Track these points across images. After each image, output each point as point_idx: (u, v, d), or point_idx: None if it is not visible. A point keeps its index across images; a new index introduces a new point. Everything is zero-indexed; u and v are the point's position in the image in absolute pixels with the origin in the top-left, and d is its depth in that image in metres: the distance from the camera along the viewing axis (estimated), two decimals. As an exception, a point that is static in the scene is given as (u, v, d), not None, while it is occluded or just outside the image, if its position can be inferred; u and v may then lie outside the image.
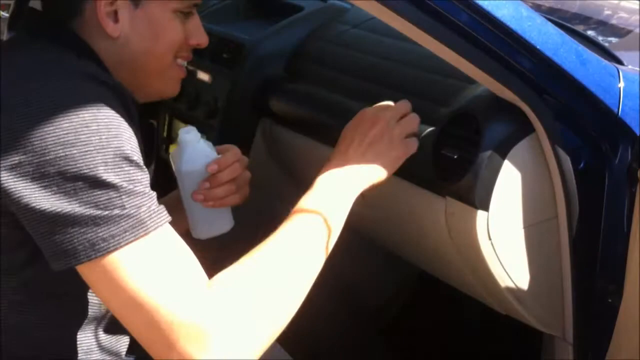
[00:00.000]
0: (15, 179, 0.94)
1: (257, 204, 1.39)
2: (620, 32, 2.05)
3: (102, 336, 1.16)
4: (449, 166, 1.28)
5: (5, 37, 2.03)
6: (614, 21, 2.18)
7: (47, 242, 0.95)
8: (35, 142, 0.93)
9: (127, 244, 0.94)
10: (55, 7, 1.13)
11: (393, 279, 2.27)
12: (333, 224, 1.11)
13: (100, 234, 0.93)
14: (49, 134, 0.93)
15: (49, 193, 0.93)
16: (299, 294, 1.04)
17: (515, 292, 1.31)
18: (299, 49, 1.85)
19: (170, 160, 1.27)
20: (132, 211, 0.94)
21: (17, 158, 0.94)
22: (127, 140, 0.97)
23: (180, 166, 1.23)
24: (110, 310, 0.99)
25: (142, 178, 0.97)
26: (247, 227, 1.30)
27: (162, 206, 0.98)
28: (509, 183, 1.24)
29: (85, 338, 1.13)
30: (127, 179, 0.95)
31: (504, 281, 1.30)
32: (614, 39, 1.95)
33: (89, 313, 1.13)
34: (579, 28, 1.80)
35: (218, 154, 1.26)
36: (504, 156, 1.23)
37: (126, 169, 0.95)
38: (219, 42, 1.96)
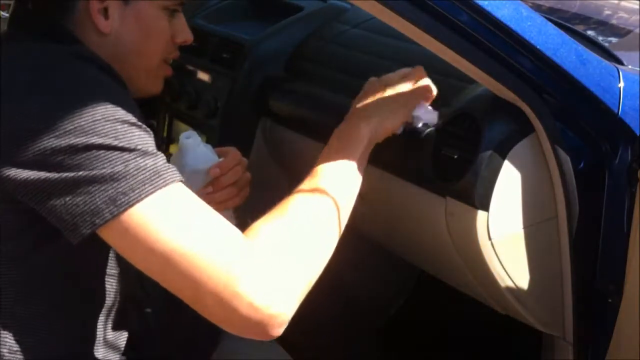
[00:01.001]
0: (24, 163, 0.96)
1: (257, 203, 1.39)
2: (620, 32, 2.05)
3: (104, 329, 1.16)
4: (449, 166, 1.28)
5: (5, 37, 2.04)
6: (614, 21, 2.18)
7: (67, 209, 0.96)
8: (42, 122, 0.96)
9: (147, 195, 0.95)
10: (46, 5, 1.14)
11: (393, 279, 2.27)
12: (353, 177, 1.16)
13: (120, 189, 0.94)
14: (56, 112, 0.96)
15: (64, 166, 0.95)
16: (330, 245, 1.07)
17: (515, 292, 1.31)
18: (299, 49, 1.85)
19: (172, 164, 1.27)
20: (148, 165, 0.96)
21: (25, 140, 0.96)
22: (132, 109, 1.01)
23: (182, 169, 1.23)
24: (142, 269, 0.99)
25: (152, 141, 1.00)
26: (247, 226, 1.30)
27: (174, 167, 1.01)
28: (509, 183, 1.24)
29: (87, 331, 1.13)
30: (140, 142, 0.98)
31: (504, 281, 1.30)
32: (614, 39, 1.95)
33: (91, 304, 1.13)
34: (579, 28, 1.80)
35: (219, 156, 1.26)
36: (504, 156, 1.22)
37: (137, 133, 0.98)
38: (219, 42, 1.96)
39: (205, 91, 1.92)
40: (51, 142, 0.95)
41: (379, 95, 1.25)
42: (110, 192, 0.94)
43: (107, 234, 0.97)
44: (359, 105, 1.25)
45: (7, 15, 2.08)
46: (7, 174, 0.97)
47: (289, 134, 1.75)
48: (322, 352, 2.00)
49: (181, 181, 1.00)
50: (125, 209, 0.94)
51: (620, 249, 1.24)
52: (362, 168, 1.17)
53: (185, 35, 1.24)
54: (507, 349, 1.96)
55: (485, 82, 1.23)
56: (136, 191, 0.95)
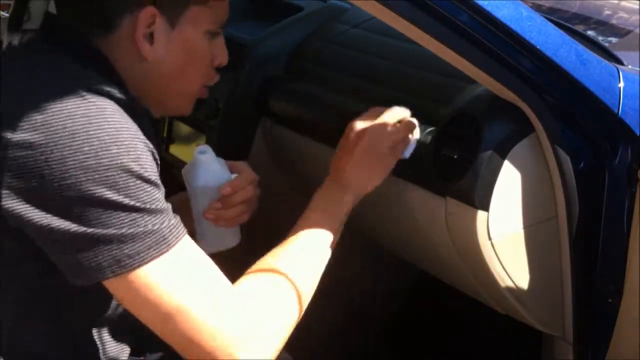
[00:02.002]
0: (31, 204, 0.94)
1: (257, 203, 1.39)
2: (620, 32, 2.05)
3: (107, 343, 1.16)
4: (449, 166, 1.28)
5: (5, 37, 2.03)
6: (614, 21, 2.18)
7: (69, 259, 0.96)
8: (55, 166, 0.93)
9: (151, 259, 0.96)
10: (85, 19, 1.07)
11: (393, 279, 2.27)
12: (331, 237, 1.18)
13: (125, 251, 0.95)
14: (68, 157, 0.93)
15: (72, 216, 0.94)
16: (307, 299, 1.11)
17: (515, 292, 1.31)
18: (299, 49, 1.85)
19: (183, 177, 1.27)
20: (155, 228, 0.96)
21: (34, 181, 0.93)
22: (145, 160, 0.97)
23: (194, 184, 1.24)
24: (142, 320, 1.01)
25: (161, 196, 0.99)
26: (247, 226, 1.30)
27: (178, 218, 1.01)
28: (509, 183, 1.24)
29: (91, 344, 1.13)
30: (149, 199, 0.96)
31: (504, 281, 1.30)
32: (614, 39, 1.95)
33: (96, 318, 1.13)
34: (579, 28, 1.80)
35: (231, 172, 1.26)
36: (504, 156, 1.23)
37: (148, 189, 0.97)
38: (219, 42, 1.95)
39: (206, 91, 1.92)
40: (63, 189, 0.93)
41: (360, 156, 1.22)
42: (115, 252, 0.95)
43: (108, 286, 0.98)
44: (341, 168, 1.22)
45: (7, 15, 2.08)
46: (15, 208, 0.95)
47: (289, 134, 1.75)
48: (322, 352, 2.00)
49: (184, 235, 1.00)
50: (129, 271, 0.96)
51: (620, 249, 1.24)
52: (341, 227, 1.21)
53: (223, 58, 1.19)
54: (507, 349, 1.96)
55: (485, 82, 1.23)
56: (141, 254, 0.95)
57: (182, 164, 1.34)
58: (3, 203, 0.95)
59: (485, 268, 1.29)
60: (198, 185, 1.24)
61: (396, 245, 1.71)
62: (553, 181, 1.26)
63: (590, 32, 1.80)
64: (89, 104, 0.96)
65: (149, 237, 0.96)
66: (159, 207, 0.98)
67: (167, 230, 0.97)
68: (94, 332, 1.14)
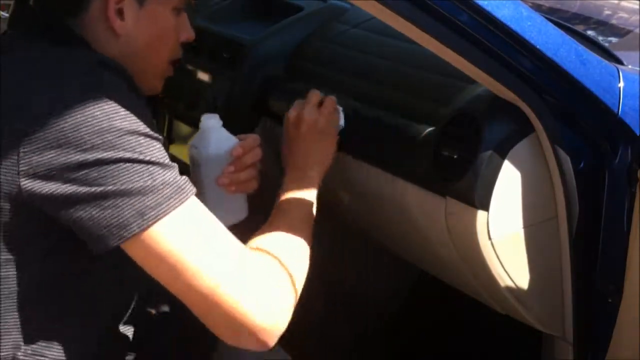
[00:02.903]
0: (52, 180, 0.97)
1: (257, 202, 1.39)
2: (620, 32, 2.05)
3: (110, 332, 1.16)
4: (449, 166, 1.28)
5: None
6: (614, 21, 2.18)
7: (94, 222, 0.98)
8: (70, 135, 0.96)
9: (174, 209, 0.99)
10: (52, 4, 1.13)
11: (393, 279, 2.27)
12: (311, 212, 1.26)
13: (148, 203, 0.98)
14: (82, 124, 0.96)
15: (92, 180, 0.96)
16: (306, 267, 1.16)
17: (515, 292, 1.31)
18: (299, 49, 1.85)
19: (189, 150, 1.30)
20: (170, 180, 1.00)
21: (51, 155, 0.96)
22: (149, 122, 1.03)
23: (205, 151, 1.28)
24: (161, 281, 1.03)
25: (166, 153, 1.03)
26: (248, 226, 1.30)
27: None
28: (509, 183, 1.24)
29: (94, 334, 1.13)
30: (161, 155, 1.01)
31: (504, 281, 1.30)
32: (614, 39, 1.95)
33: (98, 308, 1.14)
34: (579, 28, 1.80)
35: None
36: (504, 156, 1.23)
37: (158, 147, 1.01)
38: (219, 42, 1.95)
39: (205, 91, 1.92)
40: (77, 156, 0.96)
41: (304, 138, 1.35)
42: (138, 205, 0.97)
43: (131, 247, 1.00)
44: (293, 153, 1.35)
45: (7, 15, 2.08)
46: (30, 186, 0.97)
47: (289, 134, 1.74)
48: (322, 352, 2.00)
49: (195, 194, 1.04)
50: (153, 223, 0.98)
51: (620, 249, 1.24)
52: (314, 201, 1.29)
53: (189, 33, 1.25)
54: (507, 349, 1.96)
55: (485, 82, 1.23)
56: (163, 205, 0.98)
57: (182, 163, 1.34)
58: (23, 186, 0.97)
59: (485, 268, 1.29)
60: (211, 151, 1.28)
61: (396, 245, 1.71)
62: (553, 181, 1.26)
63: (590, 32, 1.80)
64: (91, 74, 1.02)
65: (167, 187, 0.99)
66: (170, 163, 1.02)
67: (182, 182, 1.01)
68: (99, 322, 1.14)
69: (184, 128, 2.00)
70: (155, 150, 1.01)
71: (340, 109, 1.42)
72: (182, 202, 1.00)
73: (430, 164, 1.30)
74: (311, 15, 1.94)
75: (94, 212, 0.97)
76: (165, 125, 2.07)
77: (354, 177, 1.49)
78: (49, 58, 1.07)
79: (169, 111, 2.07)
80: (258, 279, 1.04)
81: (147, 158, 0.99)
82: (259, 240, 1.14)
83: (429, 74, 1.48)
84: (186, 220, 1.00)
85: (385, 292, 2.25)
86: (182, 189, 1.01)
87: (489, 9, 1.13)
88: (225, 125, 1.35)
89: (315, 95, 1.40)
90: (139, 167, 0.98)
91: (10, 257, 1.02)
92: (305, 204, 1.26)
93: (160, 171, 0.99)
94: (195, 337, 1.36)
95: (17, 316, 1.05)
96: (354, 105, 1.51)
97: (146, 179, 0.98)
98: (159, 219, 0.98)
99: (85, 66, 1.04)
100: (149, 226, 0.98)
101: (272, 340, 1.04)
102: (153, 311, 1.40)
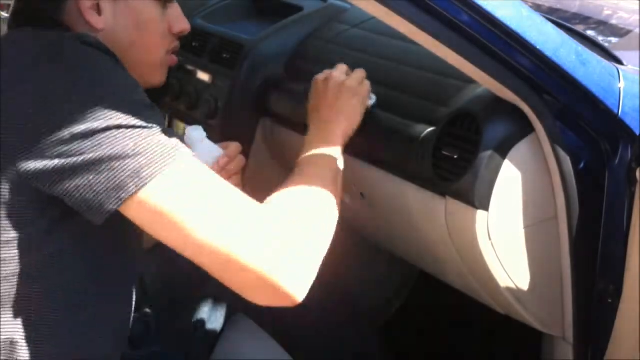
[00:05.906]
0: (48, 157, 0.96)
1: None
2: (620, 32, 2.05)
3: (107, 328, 1.16)
4: (449, 166, 1.28)
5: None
6: (614, 21, 2.17)
7: (91, 188, 0.96)
8: (57, 110, 0.96)
9: (168, 166, 0.97)
10: (39, 3, 1.15)
11: (393, 279, 2.27)
12: (335, 162, 1.24)
13: (143, 162, 0.96)
14: (73, 97, 0.97)
15: (87, 148, 0.96)
16: (333, 224, 1.13)
17: (515, 292, 1.31)
18: (299, 49, 1.85)
19: None
20: (164, 141, 0.99)
21: (41, 133, 0.96)
22: (143, 92, 1.03)
23: None
24: (166, 243, 1.01)
25: (164, 122, 1.04)
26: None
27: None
28: (509, 183, 1.24)
29: (91, 328, 1.13)
30: (156, 122, 1.01)
31: (504, 281, 1.30)
32: (614, 39, 1.95)
33: (96, 300, 1.12)
34: (579, 28, 1.80)
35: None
36: (504, 156, 1.22)
37: (151, 114, 1.01)
38: (219, 42, 1.95)
39: (205, 91, 1.92)
40: (70, 128, 0.95)
41: (333, 96, 1.35)
42: (133, 165, 0.96)
43: (131, 209, 0.98)
44: (321, 109, 1.34)
45: (7, 15, 2.08)
46: (25, 167, 0.97)
47: (289, 134, 1.74)
48: (322, 351, 2.00)
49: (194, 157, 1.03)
50: (150, 181, 0.96)
51: (620, 249, 1.24)
52: (341, 161, 1.27)
53: (182, 25, 1.24)
54: (507, 349, 1.96)
55: (485, 82, 1.23)
56: (159, 163, 0.97)
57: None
58: (18, 166, 0.97)
59: (485, 268, 1.29)
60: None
61: (396, 245, 1.71)
62: (553, 181, 1.26)
63: (590, 32, 1.80)
64: (83, 49, 1.03)
65: (161, 147, 0.98)
66: (163, 127, 1.02)
67: (176, 142, 1.01)
68: (97, 316, 1.13)
69: (184, 128, 1.99)
70: (149, 116, 1.00)
71: (370, 89, 1.43)
72: (177, 159, 0.98)
73: (430, 164, 1.30)
74: (311, 16, 1.94)
75: (90, 178, 0.96)
76: (165, 125, 2.07)
77: (354, 177, 1.49)
78: (39, 37, 1.07)
79: (169, 111, 2.07)
80: (275, 231, 1.00)
81: (140, 123, 0.98)
82: (277, 194, 1.11)
83: (429, 74, 1.48)
84: (184, 177, 0.99)
85: (385, 292, 2.25)
86: (177, 149, 1.00)
87: (489, 9, 1.12)
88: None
89: (344, 65, 1.42)
90: (130, 131, 0.97)
91: (10, 238, 1.01)
92: (330, 155, 1.24)
93: (153, 134, 0.99)
94: (192, 343, 1.37)
95: (17, 298, 1.04)
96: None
97: (139, 140, 0.97)
98: (155, 176, 0.96)
99: (69, 42, 1.04)
100: (145, 184, 0.96)
101: (301, 293, 1.01)
102: (149, 310, 1.39)
